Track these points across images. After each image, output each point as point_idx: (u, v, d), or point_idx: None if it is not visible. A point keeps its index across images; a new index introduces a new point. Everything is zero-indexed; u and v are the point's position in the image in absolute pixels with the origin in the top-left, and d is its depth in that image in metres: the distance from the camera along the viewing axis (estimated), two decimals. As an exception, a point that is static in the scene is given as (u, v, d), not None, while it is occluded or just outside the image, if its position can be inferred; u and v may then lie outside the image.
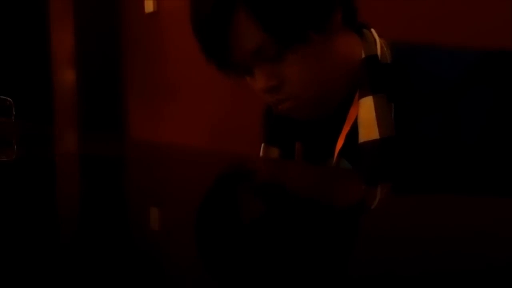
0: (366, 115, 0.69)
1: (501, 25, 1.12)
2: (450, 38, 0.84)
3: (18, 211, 0.44)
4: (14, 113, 2.56)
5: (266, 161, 0.81)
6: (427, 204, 0.45)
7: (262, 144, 0.84)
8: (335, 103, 0.73)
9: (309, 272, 0.27)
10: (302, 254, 0.30)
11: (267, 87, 0.70)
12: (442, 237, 0.34)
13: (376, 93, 0.69)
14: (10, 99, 2.66)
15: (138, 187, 0.58)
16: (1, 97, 2.62)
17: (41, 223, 0.40)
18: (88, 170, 0.73)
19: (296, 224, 0.38)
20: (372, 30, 0.75)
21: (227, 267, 0.29)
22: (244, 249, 0.32)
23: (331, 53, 0.71)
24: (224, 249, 0.32)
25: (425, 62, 0.70)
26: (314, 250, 0.31)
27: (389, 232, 0.36)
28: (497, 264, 0.28)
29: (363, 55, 0.72)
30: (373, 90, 0.69)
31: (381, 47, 0.72)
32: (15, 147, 1.11)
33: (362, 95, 0.70)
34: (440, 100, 0.66)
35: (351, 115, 0.72)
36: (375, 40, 0.73)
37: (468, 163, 0.64)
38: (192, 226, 0.39)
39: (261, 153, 0.84)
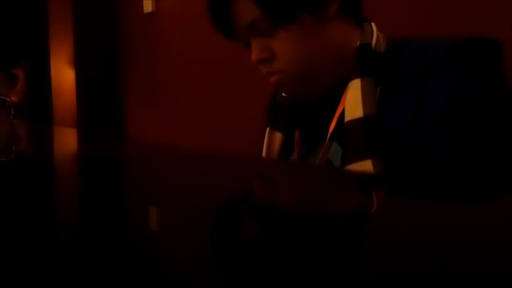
0: (353, 95, 0.72)
1: (501, 25, 1.12)
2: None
3: (17, 212, 0.44)
4: (12, 113, 2.55)
5: (264, 162, 0.81)
6: (423, 206, 0.45)
7: (267, 128, 0.86)
8: (324, 85, 0.77)
9: (308, 274, 0.27)
10: (301, 256, 0.30)
11: (259, 59, 0.76)
12: (440, 238, 0.34)
13: (364, 75, 0.72)
14: (9, 100, 2.66)
15: (137, 187, 0.58)
16: (0, 97, 2.61)
17: (41, 223, 0.40)
18: (87, 170, 0.73)
19: (293, 226, 0.38)
20: (373, 23, 0.79)
21: (226, 268, 0.29)
22: (243, 250, 0.32)
23: (323, 37, 0.75)
24: (222, 249, 0.32)
25: (411, 50, 0.73)
26: (312, 253, 0.31)
27: (387, 234, 0.36)
28: (491, 264, 0.28)
29: (358, 43, 0.76)
30: (362, 73, 0.73)
31: (377, 38, 0.76)
32: (14, 147, 1.11)
33: (352, 78, 0.74)
34: (415, 82, 0.69)
35: (343, 99, 0.75)
36: (372, 31, 0.77)
37: (426, 144, 0.65)
38: (191, 226, 0.39)
39: (265, 137, 0.86)
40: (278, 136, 0.85)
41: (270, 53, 0.75)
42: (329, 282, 0.26)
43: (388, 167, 0.67)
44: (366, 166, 0.67)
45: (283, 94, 0.85)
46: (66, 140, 1.38)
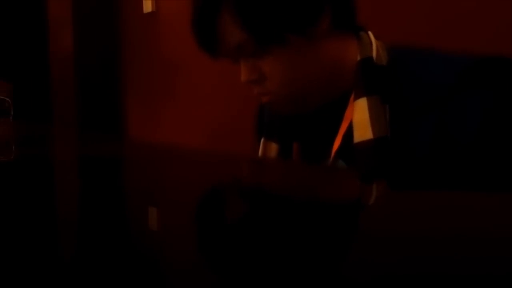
0: (360, 116, 0.70)
1: (500, 28, 1.12)
2: (449, 41, 0.84)
3: (17, 212, 0.44)
4: (12, 113, 2.55)
5: (263, 161, 0.81)
6: (424, 202, 0.45)
7: (262, 139, 0.85)
8: (319, 102, 0.76)
9: (306, 272, 0.27)
10: (299, 254, 0.30)
11: (248, 80, 0.74)
12: (439, 236, 0.34)
13: (370, 94, 0.70)
14: (9, 99, 2.65)
15: (136, 188, 0.58)
16: (0, 97, 2.61)
17: (40, 223, 0.40)
18: (86, 171, 0.73)
19: (292, 223, 0.38)
20: (369, 32, 0.76)
21: (225, 268, 0.29)
22: (241, 250, 0.32)
23: (314, 57, 0.72)
24: (221, 249, 0.32)
25: (420, 65, 0.71)
26: (310, 249, 0.31)
27: (386, 231, 0.36)
28: (493, 263, 0.28)
29: (359, 58, 0.73)
30: (367, 92, 0.70)
31: (377, 50, 0.73)
32: (14, 147, 1.11)
33: (356, 97, 0.72)
34: (434, 102, 0.67)
35: (347, 116, 0.74)
36: (371, 42, 0.74)
37: (462, 165, 0.65)
38: (190, 227, 0.39)
39: (260, 148, 0.85)
40: (273, 147, 0.83)
41: (260, 74, 0.73)
42: (328, 280, 0.26)
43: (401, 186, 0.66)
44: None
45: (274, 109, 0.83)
46: (66, 140, 1.38)
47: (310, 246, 0.32)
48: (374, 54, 0.73)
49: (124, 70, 2.92)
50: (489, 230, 0.36)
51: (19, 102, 2.98)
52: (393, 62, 0.72)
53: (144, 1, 2.58)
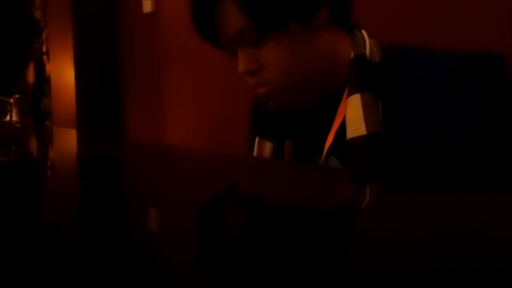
0: (353, 112, 0.71)
1: (497, 28, 1.12)
2: (443, 39, 0.83)
3: (17, 212, 0.44)
4: (12, 113, 2.55)
5: (260, 161, 0.81)
6: (418, 203, 0.45)
7: (256, 138, 0.85)
8: (314, 95, 0.76)
9: (300, 273, 0.27)
10: (294, 256, 0.30)
11: (247, 70, 0.74)
12: (434, 236, 0.34)
13: (363, 90, 0.71)
14: (9, 100, 2.65)
15: (136, 188, 0.58)
16: (0, 98, 2.61)
17: (40, 223, 0.40)
18: (86, 171, 0.73)
19: (289, 225, 0.38)
20: (363, 31, 0.77)
21: (224, 268, 0.29)
22: (239, 251, 0.32)
23: (312, 47, 0.73)
24: (220, 250, 0.32)
25: (412, 63, 0.71)
26: (304, 251, 0.31)
27: (381, 231, 0.36)
28: (487, 262, 0.29)
29: (352, 55, 0.74)
30: (361, 88, 0.71)
31: (371, 48, 0.74)
32: (13, 147, 1.11)
33: (350, 93, 0.72)
34: (426, 100, 0.67)
35: (340, 112, 0.74)
36: (364, 40, 0.75)
37: (454, 163, 0.65)
38: (190, 227, 0.40)
39: (255, 147, 0.85)
40: (268, 146, 0.83)
41: (258, 64, 0.73)
42: (322, 281, 0.26)
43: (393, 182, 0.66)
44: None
45: (270, 103, 0.83)
46: (66, 140, 1.38)
47: (304, 248, 0.32)
48: (367, 51, 0.73)
49: (124, 70, 2.92)
50: (483, 229, 0.36)
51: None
52: (386, 60, 0.73)
53: (144, 1, 2.58)
